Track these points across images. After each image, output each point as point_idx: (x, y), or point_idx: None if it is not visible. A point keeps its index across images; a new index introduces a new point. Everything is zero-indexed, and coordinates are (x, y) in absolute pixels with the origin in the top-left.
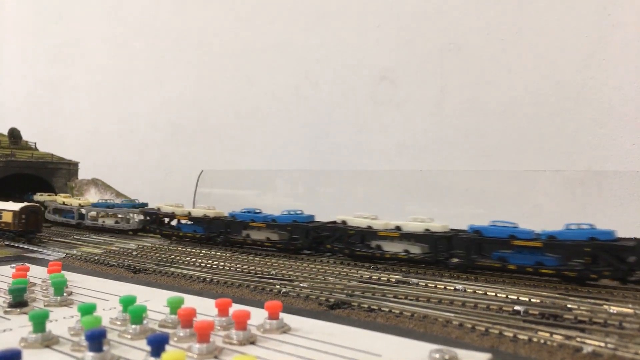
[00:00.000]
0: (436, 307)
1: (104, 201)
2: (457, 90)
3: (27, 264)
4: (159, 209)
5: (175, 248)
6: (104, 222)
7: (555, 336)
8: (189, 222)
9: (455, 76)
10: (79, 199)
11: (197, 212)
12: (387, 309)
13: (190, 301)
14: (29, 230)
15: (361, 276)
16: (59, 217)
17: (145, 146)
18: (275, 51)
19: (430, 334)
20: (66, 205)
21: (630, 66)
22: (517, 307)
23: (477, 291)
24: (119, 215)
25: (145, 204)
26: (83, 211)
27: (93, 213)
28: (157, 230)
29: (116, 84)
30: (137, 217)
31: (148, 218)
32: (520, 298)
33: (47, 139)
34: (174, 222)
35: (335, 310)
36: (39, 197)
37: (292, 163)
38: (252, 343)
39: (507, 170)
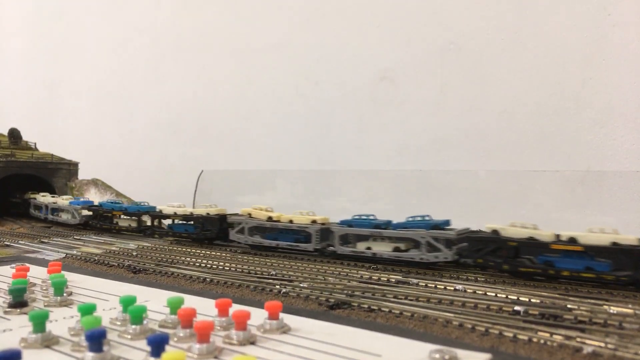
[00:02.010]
0: (436, 307)
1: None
2: (457, 90)
3: (27, 264)
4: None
5: (175, 248)
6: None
7: (555, 336)
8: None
9: (455, 76)
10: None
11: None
12: (387, 309)
13: (190, 301)
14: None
15: (361, 276)
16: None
17: (145, 146)
18: (275, 51)
19: (430, 334)
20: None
21: (630, 66)
22: (517, 308)
23: (477, 291)
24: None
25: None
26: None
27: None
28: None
29: (116, 84)
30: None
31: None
32: (520, 298)
33: (47, 139)
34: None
35: (335, 310)
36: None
37: (292, 163)
38: (252, 343)
39: (507, 170)
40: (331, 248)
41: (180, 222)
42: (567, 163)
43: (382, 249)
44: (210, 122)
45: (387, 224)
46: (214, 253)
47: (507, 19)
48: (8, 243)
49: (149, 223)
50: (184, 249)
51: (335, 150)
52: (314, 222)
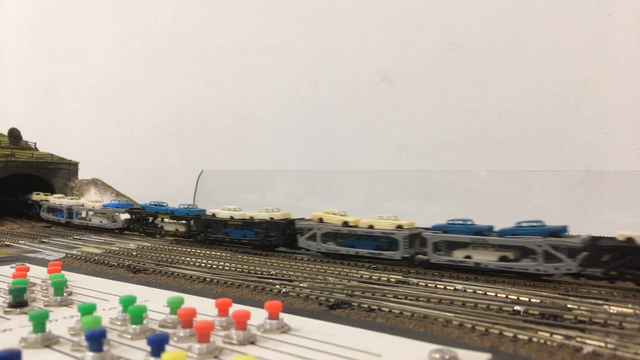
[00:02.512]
0: (436, 307)
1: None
2: (457, 91)
3: (27, 264)
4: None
5: (175, 248)
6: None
7: (555, 336)
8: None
9: (455, 76)
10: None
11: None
12: (387, 309)
13: (190, 301)
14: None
15: (361, 276)
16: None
17: (145, 146)
18: (275, 51)
19: (430, 334)
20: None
21: (630, 66)
22: (517, 307)
23: (477, 291)
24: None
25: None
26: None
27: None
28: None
29: (116, 84)
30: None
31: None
32: (520, 298)
33: (47, 139)
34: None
35: (335, 310)
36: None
37: (292, 163)
38: (252, 343)
39: (507, 170)
40: (421, 256)
41: (235, 227)
42: (567, 163)
43: (486, 258)
44: (210, 122)
45: (490, 230)
46: (214, 253)
47: (507, 20)
48: (8, 243)
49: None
50: (184, 249)
51: (335, 150)
52: (399, 227)
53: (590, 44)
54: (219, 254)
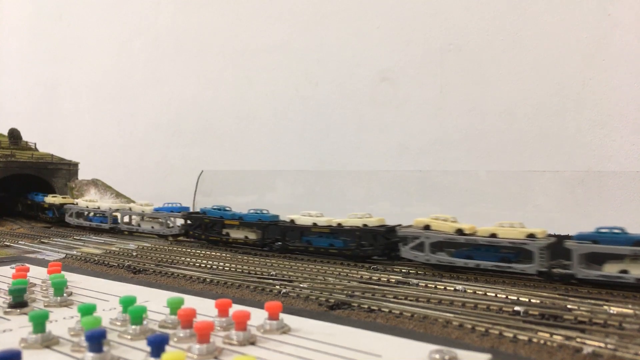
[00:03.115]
0: (436, 307)
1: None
2: (457, 91)
3: (27, 265)
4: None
5: (175, 249)
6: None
7: (555, 337)
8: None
9: (455, 77)
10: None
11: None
12: (387, 310)
13: (190, 302)
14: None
15: (361, 277)
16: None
17: (145, 147)
18: (275, 52)
19: (430, 334)
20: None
21: (630, 67)
22: (517, 308)
23: (477, 292)
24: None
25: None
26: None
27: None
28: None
29: (116, 85)
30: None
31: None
32: (520, 299)
33: (47, 139)
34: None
35: (335, 310)
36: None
37: (292, 163)
38: (252, 343)
39: (507, 170)
40: (561, 270)
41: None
42: (567, 163)
43: None
44: (210, 122)
45: None
46: (214, 253)
47: (507, 20)
48: (8, 243)
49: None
50: (183, 250)
51: (335, 151)
52: (530, 236)
53: (590, 44)
54: (219, 254)
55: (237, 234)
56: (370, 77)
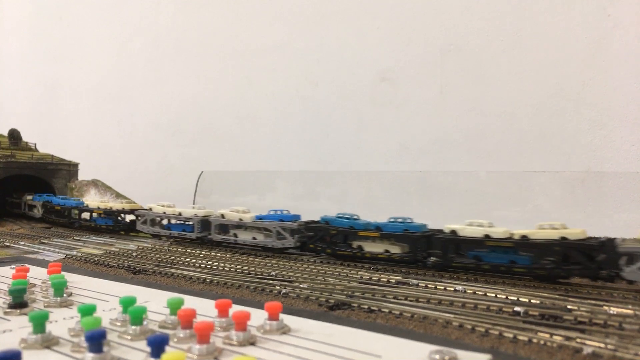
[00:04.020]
0: (436, 308)
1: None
2: (457, 91)
3: (27, 265)
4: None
5: (175, 249)
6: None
7: (555, 337)
8: None
9: (455, 77)
10: None
11: None
12: (387, 310)
13: (190, 302)
14: None
15: (361, 277)
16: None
17: (145, 147)
18: (275, 52)
19: (430, 334)
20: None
21: (630, 67)
22: (517, 308)
23: (477, 292)
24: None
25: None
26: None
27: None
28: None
29: (116, 85)
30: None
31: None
32: (520, 299)
33: (47, 139)
34: None
35: (335, 311)
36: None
37: (292, 164)
38: (252, 344)
39: (507, 171)
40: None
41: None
42: (567, 164)
43: None
44: (210, 122)
45: None
46: (213, 254)
47: (507, 20)
48: (8, 244)
49: (404, 249)
50: (183, 250)
51: (335, 151)
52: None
53: (590, 45)
54: (218, 254)
55: (374, 248)
56: (370, 77)
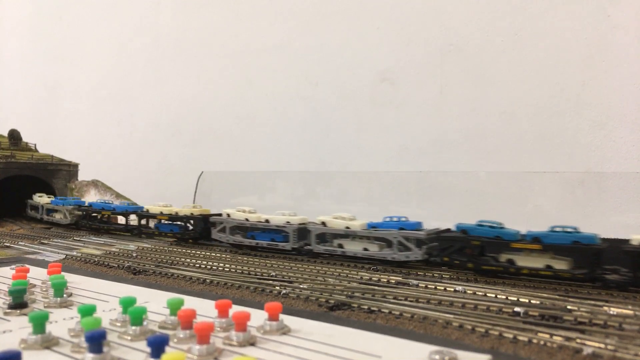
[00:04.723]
0: (436, 308)
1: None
2: (457, 92)
3: (27, 265)
4: None
5: (175, 249)
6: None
7: (555, 337)
8: None
9: (455, 77)
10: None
11: None
12: (387, 310)
13: (190, 302)
14: None
15: (361, 277)
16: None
17: (145, 147)
18: (275, 52)
19: (430, 335)
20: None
21: (630, 67)
22: (517, 309)
23: (477, 292)
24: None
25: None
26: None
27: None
28: None
29: (116, 85)
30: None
31: None
32: (520, 299)
33: (47, 140)
34: None
35: (335, 311)
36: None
37: (292, 164)
38: (252, 344)
39: (507, 171)
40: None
41: None
42: (567, 164)
43: None
44: (210, 123)
45: None
46: (213, 254)
47: (507, 20)
48: (8, 244)
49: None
50: (183, 250)
51: (335, 151)
52: None
53: (590, 45)
54: (218, 255)
55: (531, 262)
56: (370, 77)
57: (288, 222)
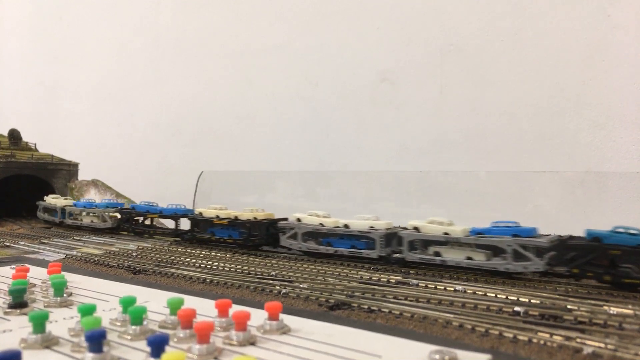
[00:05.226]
0: (436, 308)
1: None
2: (457, 92)
3: (27, 265)
4: None
5: (175, 249)
6: None
7: (555, 337)
8: None
9: (455, 77)
10: None
11: None
12: (387, 310)
13: (190, 302)
14: None
15: (361, 277)
16: None
17: (145, 147)
18: (275, 52)
19: (430, 334)
20: None
21: (630, 67)
22: (517, 308)
23: (477, 292)
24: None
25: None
26: None
27: None
28: None
29: (116, 85)
30: None
31: None
32: (520, 299)
33: (47, 139)
34: None
35: (335, 311)
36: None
37: (292, 164)
38: (252, 344)
39: (507, 171)
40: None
41: None
42: (567, 164)
43: None
44: (211, 123)
45: None
46: (213, 254)
47: (507, 21)
48: (8, 244)
49: None
50: (183, 250)
51: (335, 151)
52: None
53: (590, 45)
54: (218, 254)
55: None
56: (370, 77)
57: (372, 227)
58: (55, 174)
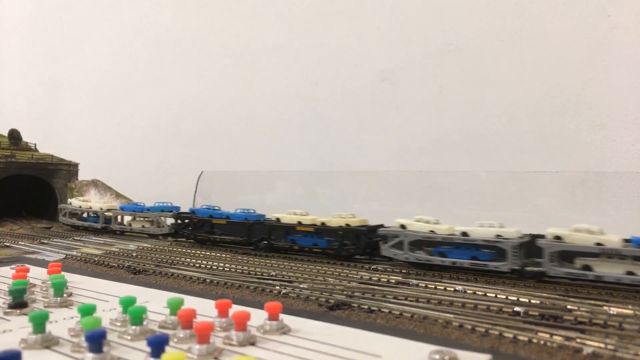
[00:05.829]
0: (436, 308)
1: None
2: (457, 92)
3: (27, 265)
4: None
5: (175, 249)
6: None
7: (555, 337)
8: None
9: (455, 77)
10: None
11: None
12: (387, 310)
13: (190, 302)
14: None
15: (361, 277)
16: None
17: (145, 147)
18: (275, 52)
19: (430, 335)
20: None
21: (630, 67)
22: (517, 308)
23: (477, 292)
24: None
25: None
26: None
27: None
28: None
29: (116, 85)
30: None
31: None
32: (520, 299)
33: (47, 140)
34: None
35: (335, 311)
36: None
37: (292, 164)
38: (252, 344)
39: (507, 171)
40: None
41: None
42: (567, 164)
43: None
44: (211, 123)
45: None
46: (213, 254)
47: (507, 21)
48: (8, 244)
49: None
50: (183, 250)
51: (335, 151)
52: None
53: (590, 45)
54: (219, 255)
55: None
56: (370, 77)
57: (499, 235)
58: (55, 174)
